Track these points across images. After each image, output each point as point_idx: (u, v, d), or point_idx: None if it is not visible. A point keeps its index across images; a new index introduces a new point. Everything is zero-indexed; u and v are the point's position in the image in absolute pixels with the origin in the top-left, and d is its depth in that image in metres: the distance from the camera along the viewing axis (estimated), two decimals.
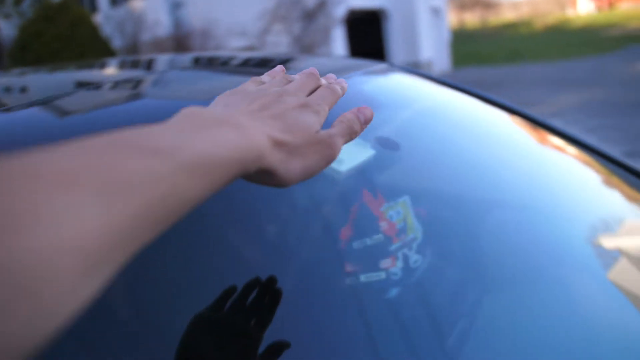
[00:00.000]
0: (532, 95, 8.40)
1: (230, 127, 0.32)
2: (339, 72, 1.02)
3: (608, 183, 1.14)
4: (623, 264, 0.84)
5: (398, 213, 0.70)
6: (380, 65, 1.19)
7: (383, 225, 0.68)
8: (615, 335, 0.69)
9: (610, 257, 0.85)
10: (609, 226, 0.96)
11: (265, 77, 0.50)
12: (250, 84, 0.47)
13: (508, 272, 0.77)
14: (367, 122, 0.46)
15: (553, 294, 0.76)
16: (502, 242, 0.83)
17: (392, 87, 1.13)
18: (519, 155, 1.09)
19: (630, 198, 1.10)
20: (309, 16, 8.98)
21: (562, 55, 13.84)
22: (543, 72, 11.13)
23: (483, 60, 14.94)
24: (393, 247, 0.67)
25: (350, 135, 0.43)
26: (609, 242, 0.90)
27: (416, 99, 1.14)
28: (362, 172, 0.71)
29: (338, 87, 0.48)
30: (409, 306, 0.65)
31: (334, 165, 0.68)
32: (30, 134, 0.62)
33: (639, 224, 1.03)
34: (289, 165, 0.37)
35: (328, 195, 0.70)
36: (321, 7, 9.13)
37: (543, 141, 1.21)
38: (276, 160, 0.35)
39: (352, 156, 0.72)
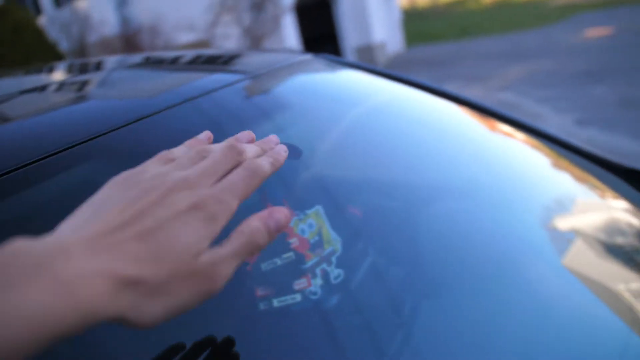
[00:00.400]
0: (482, 70, 8.55)
1: (48, 282, 0.25)
2: (265, 66, 0.99)
3: (557, 165, 1.16)
4: (578, 245, 0.85)
5: (310, 226, 0.70)
6: (305, 56, 1.18)
7: (294, 241, 0.68)
8: (571, 321, 0.70)
9: (565, 239, 0.87)
10: (561, 207, 0.98)
11: (181, 148, 0.41)
12: (153, 164, 0.37)
13: (453, 269, 0.75)
14: (279, 229, 0.37)
15: (507, 282, 0.76)
16: (444, 236, 0.81)
17: (312, 80, 1.12)
18: (454, 141, 1.09)
19: (579, 178, 1.12)
20: (258, 6, 8.86)
21: (509, 29, 14.11)
22: (492, 46, 11.34)
23: (434, 38, 15.09)
24: (308, 265, 0.67)
25: (251, 253, 0.34)
26: (562, 224, 0.91)
27: (338, 91, 1.13)
28: (263, 185, 0.69)
29: (266, 164, 0.39)
30: (334, 326, 0.65)
31: None
32: None
33: (589, 203, 1.05)
34: (144, 309, 0.28)
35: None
36: None
37: (486, 126, 1.23)
38: (124, 306, 0.27)
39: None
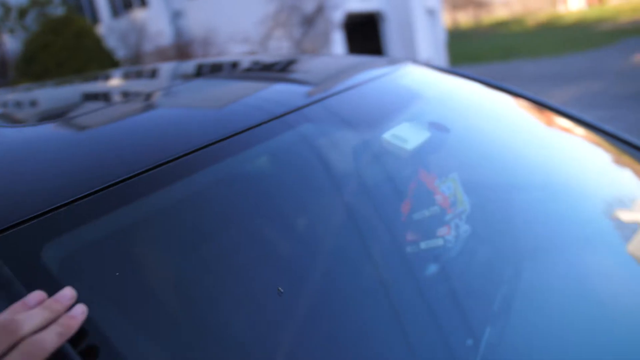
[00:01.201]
0: (530, 91, 8.53)
1: None
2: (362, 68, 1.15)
3: (620, 162, 1.26)
4: None
5: (449, 188, 0.84)
6: (404, 62, 1.32)
7: (438, 198, 0.82)
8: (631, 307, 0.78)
9: (630, 229, 0.96)
10: (625, 202, 1.08)
11: None
12: None
13: (538, 243, 0.90)
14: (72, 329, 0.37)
15: (576, 261, 0.89)
16: (532, 216, 0.95)
17: (424, 81, 1.27)
18: (544, 141, 1.22)
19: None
20: (308, 21, 9.13)
21: (555, 52, 14.01)
22: (538, 68, 11.30)
23: (478, 58, 15.11)
24: (447, 217, 0.82)
25: None
26: (627, 216, 1.02)
27: (450, 91, 1.27)
28: (417, 153, 0.85)
29: (51, 337, 0.36)
30: (461, 270, 0.78)
31: (401, 144, 0.82)
32: (46, 150, 0.65)
33: None
34: None
35: (391, 173, 0.84)
36: (319, 12, 9.28)
37: (561, 127, 1.34)
38: None
39: (415, 137, 0.86)
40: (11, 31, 8.77)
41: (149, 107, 0.90)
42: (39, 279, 0.45)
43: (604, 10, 29.96)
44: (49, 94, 1.24)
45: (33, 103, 1.14)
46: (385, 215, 0.80)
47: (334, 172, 0.82)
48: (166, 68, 1.48)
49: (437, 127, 0.90)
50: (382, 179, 0.85)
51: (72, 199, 0.51)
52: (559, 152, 1.21)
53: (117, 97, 1.09)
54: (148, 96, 0.97)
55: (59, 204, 0.50)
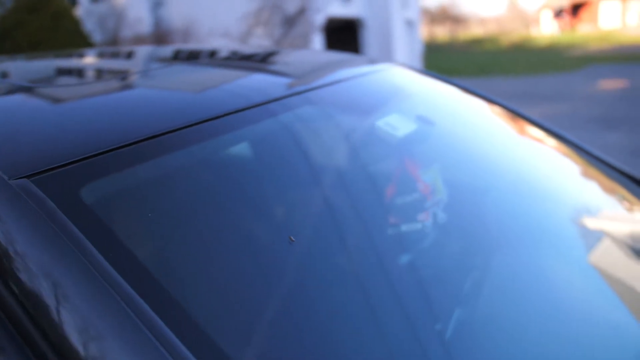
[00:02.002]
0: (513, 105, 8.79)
1: None
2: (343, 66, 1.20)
3: (587, 174, 1.34)
4: (605, 244, 1.00)
5: (430, 177, 0.90)
6: (384, 62, 1.38)
7: (420, 185, 0.88)
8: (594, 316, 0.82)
9: (594, 237, 1.01)
10: (590, 211, 1.14)
11: None
12: None
13: (505, 236, 0.96)
14: None
15: (538, 256, 0.95)
16: (501, 212, 1.02)
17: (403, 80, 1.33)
18: (516, 145, 1.29)
19: (607, 189, 1.28)
20: (290, 22, 9.17)
21: (527, 72, 14.45)
22: (510, 86, 11.64)
23: (453, 72, 15.44)
24: (427, 204, 0.87)
25: None
26: (591, 224, 1.07)
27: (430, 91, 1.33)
28: (403, 142, 0.91)
29: None
30: (435, 254, 0.84)
31: (391, 131, 0.88)
32: (25, 118, 0.68)
33: (616, 211, 1.21)
34: None
35: (379, 158, 0.89)
36: (301, 13, 9.33)
37: (531, 134, 1.42)
38: None
39: (404, 127, 0.91)
40: None
41: (127, 86, 0.93)
42: (75, 214, 0.50)
43: (575, 37, 31.04)
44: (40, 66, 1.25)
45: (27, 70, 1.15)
46: (370, 199, 0.84)
47: (319, 160, 0.86)
48: (144, 51, 1.51)
49: (423, 120, 0.96)
50: (368, 165, 0.90)
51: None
52: (530, 157, 1.28)
53: (98, 75, 1.12)
54: (125, 76, 1.00)
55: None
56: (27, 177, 0.52)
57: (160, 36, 9.47)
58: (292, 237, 0.61)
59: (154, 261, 0.51)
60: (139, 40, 9.57)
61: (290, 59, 1.32)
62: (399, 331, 0.66)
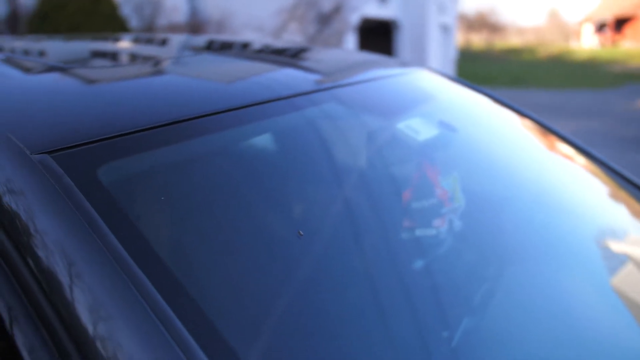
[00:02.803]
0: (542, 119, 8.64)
1: None
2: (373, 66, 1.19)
3: (613, 195, 1.30)
4: (629, 269, 0.97)
5: (449, 184, 0.89)
6: (418, 66, 1.37)
7: (438, 191, 0.87)
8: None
9: (617, 260, 0.99)
10: (616, 234, 1.11)
11: None
12: None
13: (522, 250, 0.94)
14: None
15: (555, 274, 0.93)
16: (519, 226, 1.00)
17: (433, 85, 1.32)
18: (543, 160, 1.27)
19: (634, 212, 1.23)
20: (324, 19, 9.17)
21: (563, 85, 14.17)
22: (544, 99, 11.42)
23: (486, 81, 15.24)
24: (444, 210, 0.86)
25: None
26: (615, 247, 1.04)
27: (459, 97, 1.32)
28: (424, 147, 0.91)
29: None
30: (448, 262, 0.83)
31: (412, 134, 0.87)
32: (54, 97, 0.70)
33: None
34: None
35: (397, 162, 0.89)
36: (337, 12, 9.33)
37: (560, 150, 1.39)
38: None
39: (426, 131, 0.91)
40: None
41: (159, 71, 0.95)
42: (91, 192, 0.51)
43: (616, 52, 30.29)
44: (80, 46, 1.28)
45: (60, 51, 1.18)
46: (386, 201, 0.84)
47: (338, 157, 0.86)
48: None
49: (445, 126, 0.95)
50: (388, 167, 0.90)
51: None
52: (556, 173, 1.26)
53: (129, 59, 1.14)
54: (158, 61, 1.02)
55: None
56: (48, 152, 0.53)
57: (195, 26, 9.58)
58: (300, 232, 0.61)
59: (164, 245, 0.52)
60: (174, 28, 9.70)
61: (320, 56, 1.32)
62: (405, 334, 0.66)
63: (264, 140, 0.82)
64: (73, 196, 0.49)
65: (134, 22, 9.70)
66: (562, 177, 1.26)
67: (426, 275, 0.79)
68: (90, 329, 0.43)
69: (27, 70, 0.85)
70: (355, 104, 0.97)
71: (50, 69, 0.88)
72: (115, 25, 8.30)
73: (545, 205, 1.10)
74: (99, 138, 0.57)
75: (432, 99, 1.14)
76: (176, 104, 0.70)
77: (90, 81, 0.79)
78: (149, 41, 1.52)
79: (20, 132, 0.55)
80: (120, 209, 0.51)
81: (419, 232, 0.83)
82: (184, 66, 1.02)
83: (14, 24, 9.26)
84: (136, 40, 1.54)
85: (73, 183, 0.50)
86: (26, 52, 1.13)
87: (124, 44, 1.41)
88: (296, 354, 0.54)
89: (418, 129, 0.91)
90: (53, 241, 0.46)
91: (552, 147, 1.38)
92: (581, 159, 1.34)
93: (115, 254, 0.46)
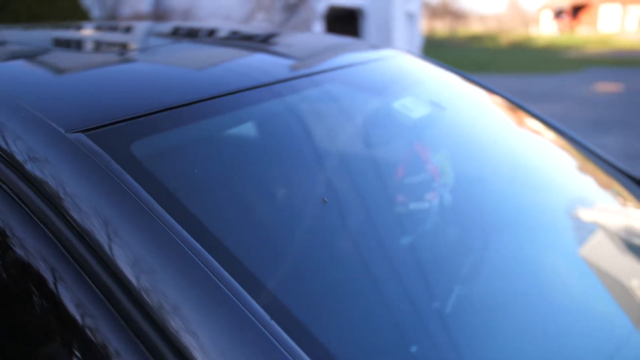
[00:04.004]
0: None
1: None
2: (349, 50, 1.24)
3: (584, 169, 1.38)
4: (598, 236, 1.05)
5: (439, 160, 0.95)
6: (388, 50, 1.42)
7: (430, 166, 0.93)
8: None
9: (587, 229, 1.06)
10: (585, 203, 1.18)
11: None
12: None
13: (505, 222, 1.00)
14: None
15: (534, 242, 1.00)
16: (501, 199, 1.07)
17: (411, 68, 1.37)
18: (516, 136, 1.34)
19: (602, 184, 1.33)
20: (291, 8, 9.15)
21: (524, 71, 14.53)
22: (507, 84, 11.71)
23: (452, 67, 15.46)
24: (435, 185, 0.92)
25: None
26: (585, 216, 1.12)
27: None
28: (415, 125, 0.96)
29: None
30: (439, 233, 0.88)
31: (407, 112, 0.92)
32: (122, 81, 0.74)
33: (610, 205, 1.25)
34: None
35: (386, 141, 0.94)
36: (303, 0, 9.31)
37: (531, 126, 1.46)
38: None
39: (420, 109, 0.96)
40: None
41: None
42: (127, 168, 0.55)
43: (573, 38, 31.13)
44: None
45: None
46: (379, 178, 0.88)
47: (328, 142, 0.89)
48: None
49: (435, 105, 1.00)
50: (381, 145, 0.94)
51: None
52: (528, 147, 1.32)
53: (92, 48, 1.15)
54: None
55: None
56: (82, 131, 0.56)
57: (159, 16, 9.40)
58: (325, 199, 0.66)
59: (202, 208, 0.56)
60: (138, 18, 9.49)
61: (293, 41, 1.35)
62: (400, 302, 0.69)
63: (247, 129, 0.83)
64: (113, 169, 0.53)
65: (95, 12, 9.45)
66: (534, 151, 1.32)
67: (419, 248, 0.83)
68: (136, 282, 0.47)
69: (42, 56, 0.86)
70: (340, 88, 1.01)
71: (70, 53, 0.89)
72: (77, 16, 8.07)
73: (520, 179, 1.16)
74: (128, 117, 0.60)
75: (413, 80, 1.19)
76: (151, 93, 0.71)
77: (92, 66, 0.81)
78: (112, 29, 1.49)
79: (53, 113, 0.58)
80: (157, 180, 0.55)
81: (413, 206, 0.88)
82: (169, 55, 1.03)
83: None
84: (98, 29, 1.52)
85: (111, 158, 0.53)
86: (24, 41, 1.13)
87: (91, 32, 1.40)
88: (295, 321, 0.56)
89: (406, 108, 0.96)
90: (101, 216, 0.49)
91: (523, 123, 1.45)
92: (549, 134, 1.42)
93: (162, 218, 0.50)
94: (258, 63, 0.92)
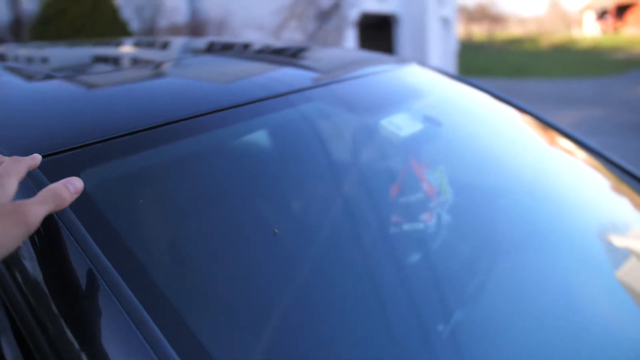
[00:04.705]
0: (535, 110, 8.60)
1: None
2: (365, 64, 1.23)
3: (617, 189, 1.28)
4: (631, 263, 0.96)
5: (436, 178, 0.92)
6: (409, 62, 1.39)
7: (425, 185, 0.90)
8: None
9: (620, 255, 0.98)
10: (617, 227, 1.10)
11: None
12: None
13: (514, 243, 0.95)
14: (77, 192, 0.48)
15: (555, 268, 0.93)
16: (511, 219, 1.01)
17: (420, 79, 1.34)
18: (537, 154, 1.27)
19: (635, 204, 1.22)
20: (324, 16, 9.18)
21: (566, 74, 14.08)
22: (546, 89, 11.38)
23: (488, 72, 15.17)
24: (431, 205, 0.89)
25: (57, 203, 0.45)
26: (616, 241, 1.03)
27: (445, 91, 1.33)
28: (410, 142, 0.93)
29: (26, 161, 0.48)
30: (437, 256, 0.85)
31: (395, 130, 0.90)
32: (56, 102, 0.74)
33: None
34: None
35: (384, 158, 0.92)
36: (336, 8, 9.32)
37: (554, 141, 1.39)
38: None
39: (409, 126, 0.94)
40: None
41: (159, 73, 0.98)
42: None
43: (618, 39, 30.03)
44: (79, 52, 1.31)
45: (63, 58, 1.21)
46: (374, 196, 0.86)
47: (328, 152, 0.88)
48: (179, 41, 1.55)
49: (430, 121, 0.97)
50: (375, 162, 0.92)
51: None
52: (552, 166, 1.24)
53: (129, 62, 1.17)
54: (159, 64, 1.05)
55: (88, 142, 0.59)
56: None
57: (195, 27, 9.61)
58: (275, 230, 0.64)
59: (146, 250, 0.55)
60: (175, 30, 9.73)
61: (313, 55, 1.35)
62: (392, 328, 0.67)
63: (256, 137, 0.84)
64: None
65: (134, 24, 9.75)
66: (558, 169, 1.25)
67: (415, 269, 0.80)
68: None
69: (16, 78, 0.88)
70: (344, 100, 0.99)
71: (40, 76, 0.91)
72: (117, 29, 8.34)
73: (539, 198, 1.09)
74: (79, 145, 0.59)
75: (420, 95, 1.16)
76: (157, 107, 0.73)
77: (78, 88, 0.82)
78: (149, 45, 1.55)
79: (3, 140, 0.58)
80: (101, 213, 0.54)
81: (407, 227, 0.85)
82: (178, 68, 1.05)
83: (18, 30, 9.32)
84: (138, 45, 1.57)
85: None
86: (25, 60, 1.17)
87: (126, 49, 1.45)
88: (288, 350, 0.56)
89: (402, 123, 0.94)
90: (36, 250, 0.50)
91: (545, 139, 1.39)
92: (577, 150, 1.34)
93: (92, 257, 0.49)
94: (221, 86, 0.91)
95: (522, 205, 1.06)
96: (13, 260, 0.50)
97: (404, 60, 1.37)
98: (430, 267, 0.83)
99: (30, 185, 0.53)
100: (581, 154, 1.34)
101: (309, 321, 0.62)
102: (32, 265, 0.50)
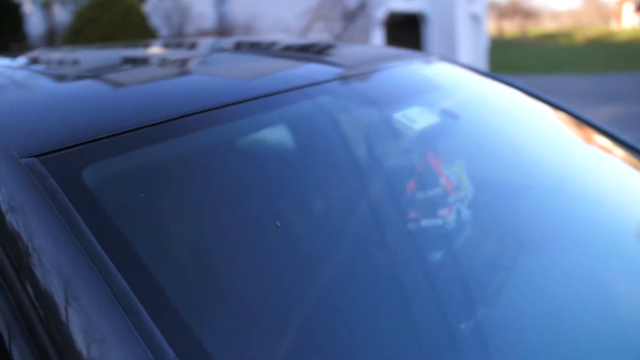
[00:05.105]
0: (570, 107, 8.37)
1: None
2: (394, 59, 1.19)
3: None
4: None
5: (454, 172, 0.87)
6: (432, 56, 1.35)
7: (442, 180, 0.85)
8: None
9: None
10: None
11: None
12: None
13: (537, 239, 0.90)
14: None
15: (578, 262, 0.89)
16: (536, 215, 0.96)
17: (446, 74, 1.29)
18: (566, 149, 1.22)
19: None
20: (350, 16, 9.15)
21: (602, 69, 13.66)
22: (582, 85, 11.05)
23: (521, 69, 14.85)
24: (450, 200, 0.84)
25: None
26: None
27: (472, 86, 1.29)
28: (427, 135, 0.89)
29: None
30: (457, 252, 0.81)
31: (409, 123, 0.86)
32: (86, 102, 0.74)
33: None
34: None
35: (401, 152, 0.88)
36: (362, 8, 9.29)
37: (585, 136, 1.33)
38: None
39: (424, 119, 0.90)
40: (62, 2, 9.07)
41: (182, 71, 0.97)
42: (75, 193, 0.53)
43: None
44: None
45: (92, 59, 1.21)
46: (391, 191, 0.83)
47: (344, 145, 0.86)
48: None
49: (449, 114, 0.93)
50: (391, 156, 0.89)
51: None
52: (584, 163, 1.19)
53: (155, 60, 1.17)
54: (183, 62, 1.05)
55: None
56: (37, 156, 0.55)
57: (222, 31, 9.73)
58: (278, 223, 0.61)
59: (145, 249, 0.53)
60: (203, 35, 9.88)
61: (337, 51, 1.32)
62: (411, 326, 0.65)
63: (272, 131, 0.83)
64: (57, 198, 0.50)
65: (163, 31, 9.94)
66: (591, 166, 1.19)
67: (434, 266, 0.77)
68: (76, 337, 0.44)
69: (16, 78, 0.89)
70: (360, 94, 0.96)
71: (50, 77, 0.91)
72: (146, 35, 8.53)
73: (570, 196, 1.05)
74: (84, 141, 0.58)
75: (443, 89, 1.12)
76: (152, 106, 0.71)
77: (87, 87, 0.81)
78: (179, 45, 1.57)
79: (10, 137, 0.57)
80: (103, 210, 0.52)
81: (425, 223, 0.81)
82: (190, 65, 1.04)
83: (52, 40, 9.64)
84: (166, 46, 1.58)
85: (57, 185, 0.51)
86: (56, 62, 1.18)
87: (155, 49, 1.45)
88: (306, 347, 0.55)
89: (417, 116, 0.89)
90: (38, 246, 0.48)
91: (578, 135, 1.33)
92: (613, 147, 1.28)
93: (94, 255, 0.47)
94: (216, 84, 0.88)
95: (551, 203, 1.03)
96: (15, 259, 0.49)
97: (429, 55, 1.33)
98: (450, 263, 0.79)
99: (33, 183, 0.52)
100: (618, 151, 1.27)
101: (321, 319, 0.60)
102: (32, 264, 0.48)
